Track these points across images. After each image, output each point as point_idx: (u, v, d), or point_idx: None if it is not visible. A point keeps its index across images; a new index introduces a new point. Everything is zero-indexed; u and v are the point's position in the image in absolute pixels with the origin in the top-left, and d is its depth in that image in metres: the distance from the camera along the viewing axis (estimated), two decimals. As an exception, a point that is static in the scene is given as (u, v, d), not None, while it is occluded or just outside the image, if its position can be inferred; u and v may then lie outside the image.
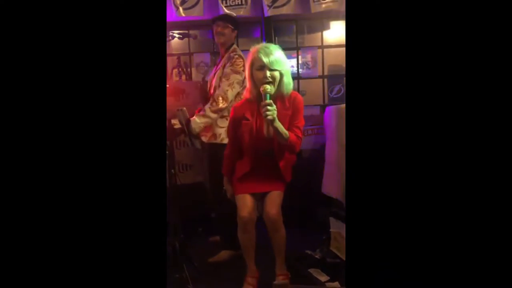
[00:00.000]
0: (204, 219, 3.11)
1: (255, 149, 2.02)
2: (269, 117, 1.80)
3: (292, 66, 3.52)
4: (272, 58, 1.88)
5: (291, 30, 3.52)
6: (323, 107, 3.38)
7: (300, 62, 3.48)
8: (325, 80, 3.49)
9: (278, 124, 1.86)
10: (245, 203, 2.01)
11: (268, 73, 1.88)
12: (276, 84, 1.92)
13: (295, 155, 2.12)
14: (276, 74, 1.90)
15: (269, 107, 1.80)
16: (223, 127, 2.49)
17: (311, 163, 3.05)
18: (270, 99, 1.84)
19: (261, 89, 1.86)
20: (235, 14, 3.04)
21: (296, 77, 3.45)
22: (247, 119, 2.01)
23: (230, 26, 2.57)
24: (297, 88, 3.50)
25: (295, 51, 3.48)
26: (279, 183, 2.05)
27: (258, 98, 1.97)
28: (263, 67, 1.88)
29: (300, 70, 3.49)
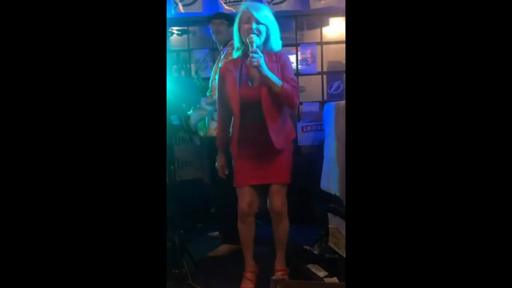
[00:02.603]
0: (204, 214, 3.12)
1: (241, 100, 1.94)
2: (254, 63, 1.79)
3: (292, 62, 3.52)
4: (260, 12, 1.90)
5: (290, 26, 3.48)
6: (322, 104, 3.37)
7: (299, 58, 3.46)
8: (325, 76, 3.47)
9: (267, 71, 1.84)
10: (245, 195, 2.01)
11: (254, 25, 1.88)
12: (262, 38, 1.91)
13: (286, 127, 2.03)
14: (263, 28, 1.90)
15: (254, 55, 1.80)
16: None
17: (310, 159, 3.05)
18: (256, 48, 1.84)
19: (247, 39, 1.86)
20: (234, 10, 3.04)
21: (295, 73, 3.42)
22: (231, 71, 1.99)
23: (225, 22, 2.60)
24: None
25: (295, 47, 3.46)
26: (281, 174, 2.01)
27: (243, 54, 1.97)
28: (250, 19, 1.89)
29: (299, 66, 3.47)
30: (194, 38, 3.49)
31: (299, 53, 3.46)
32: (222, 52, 2.55)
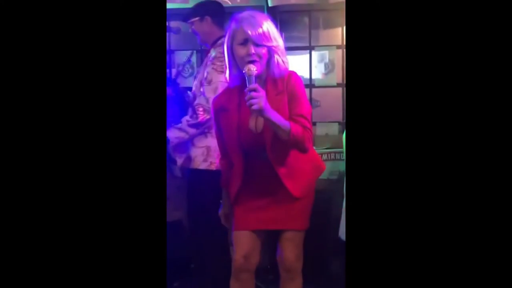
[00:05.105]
0: (183, 270, 3.14)
1: (240, 147, 1.96)
2: (254, 106, 1.73)
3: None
4: (259, 30, 1.85)
5: (302, 24, 3.43)
6: (343, 125, 3.31)
7: (313, 65, 3.38)
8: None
9: (271, 115, 1.77)
10: (242, 243, 2.01)
11: (252, 49, 1.85)
12: (263, 63, 1.88)
13: (307, 164, 2.04)
14: (263, 51, 1.87)
15: (253, 94, 1.73)
16: (201, 147, 2.49)
17: (326, 198, 2.96)
18: (256, 82, 1.79)
19: (244, 70, 1.82)
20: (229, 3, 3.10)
21: (308, 84, 3.30)
22: (226, 110, 1.97)
23: (208, 18, 2.63)
24: (310, 99, 3.28)
25: (308, 51, 3.37)
26: (297, 218, 2.00)
27: (240, 83, 1.95)
28: (246, 40, 1.86)
29: (313, 76, 3.38)
30: (177, 37, 3.51)
31: (313, 58, 3.38)
32: (209, 56, 2.59)
